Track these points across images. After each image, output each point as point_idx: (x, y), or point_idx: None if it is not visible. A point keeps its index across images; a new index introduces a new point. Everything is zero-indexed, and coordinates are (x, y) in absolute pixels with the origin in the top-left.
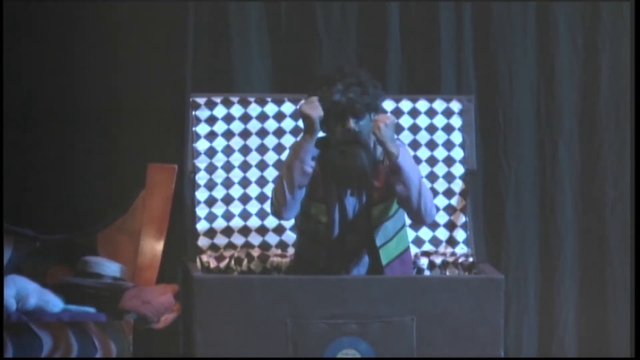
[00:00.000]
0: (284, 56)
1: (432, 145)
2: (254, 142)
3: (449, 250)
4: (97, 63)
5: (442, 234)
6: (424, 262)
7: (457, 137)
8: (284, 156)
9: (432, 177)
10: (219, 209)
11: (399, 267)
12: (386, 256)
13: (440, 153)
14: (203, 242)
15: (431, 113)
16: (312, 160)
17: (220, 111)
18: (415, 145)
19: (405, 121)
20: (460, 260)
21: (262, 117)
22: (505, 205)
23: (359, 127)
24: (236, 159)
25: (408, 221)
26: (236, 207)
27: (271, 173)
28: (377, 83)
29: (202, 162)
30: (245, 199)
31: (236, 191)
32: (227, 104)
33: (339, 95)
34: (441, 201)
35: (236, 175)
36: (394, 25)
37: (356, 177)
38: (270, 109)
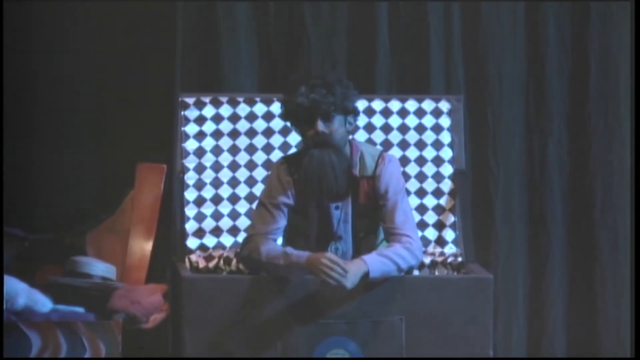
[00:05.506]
0: (273, 56)
1: (421, 145)
2: (242, 142)
3: (438, 250)
4: (86, 63)
5: (431, 233)
6: None
7: (446, 137)
8: (273, 156)
9: (420, 177)
10: (207, 209)
11: None
12: None
13: (429, 153)
14: (192, 242)
15: (420, 113)
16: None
17: (209, 111)
18: (404, 145)
19: (394, 121)
20: (449, 260)
21: (251, 117)
22: (494, 205)
23: (329, 129)
24: (225, 158)
25: None
26: (225, 207)
27: (260, 173)
28: (349, 84)
29: (191, 162)
30: (234, 199)
31: (225, 191)
32: (216, 103)
33: (302, 98)
34: (430, 201)
35: (225, 175)
36: (382, 25)
37: (327, 180)
38: (259, 108)
